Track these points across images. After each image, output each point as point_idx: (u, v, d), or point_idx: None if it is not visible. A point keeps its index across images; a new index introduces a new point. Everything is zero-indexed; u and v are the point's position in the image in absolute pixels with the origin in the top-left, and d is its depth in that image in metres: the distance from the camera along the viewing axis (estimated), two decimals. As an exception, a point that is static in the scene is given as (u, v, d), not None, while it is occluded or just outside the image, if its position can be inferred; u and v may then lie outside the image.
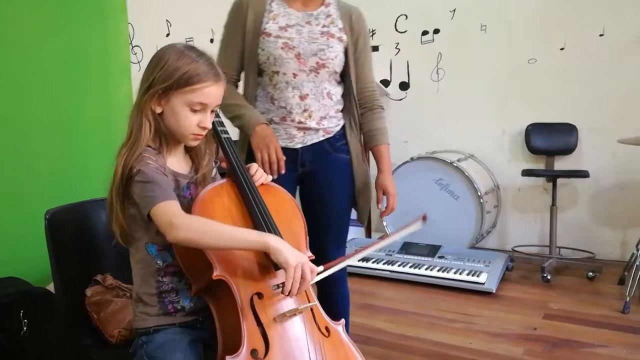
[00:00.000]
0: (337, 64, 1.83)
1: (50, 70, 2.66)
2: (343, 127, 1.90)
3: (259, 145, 1.74)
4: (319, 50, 1.79)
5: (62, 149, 2.70)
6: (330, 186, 1.88)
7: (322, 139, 1.86)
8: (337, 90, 1.88)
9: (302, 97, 1.81)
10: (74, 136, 2.77)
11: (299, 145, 1.84)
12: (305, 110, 1.81)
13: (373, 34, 4.15)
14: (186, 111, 1.29)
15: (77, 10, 2.77)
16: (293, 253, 1.25)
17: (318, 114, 1.83)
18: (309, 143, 1.85)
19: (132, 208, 1.30)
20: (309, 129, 1.83)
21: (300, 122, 1.82)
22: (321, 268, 1.32)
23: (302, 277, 1.23)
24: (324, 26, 1.82)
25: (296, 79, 1.79)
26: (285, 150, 1.78)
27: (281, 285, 1.25)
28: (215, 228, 1.23)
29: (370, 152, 1.98)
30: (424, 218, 1.32)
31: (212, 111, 1.35)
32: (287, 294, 1.24)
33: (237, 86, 1.90)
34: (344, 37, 1.84)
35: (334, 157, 1.88)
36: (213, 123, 1.39)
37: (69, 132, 2.75)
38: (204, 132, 1.34)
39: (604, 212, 3.62)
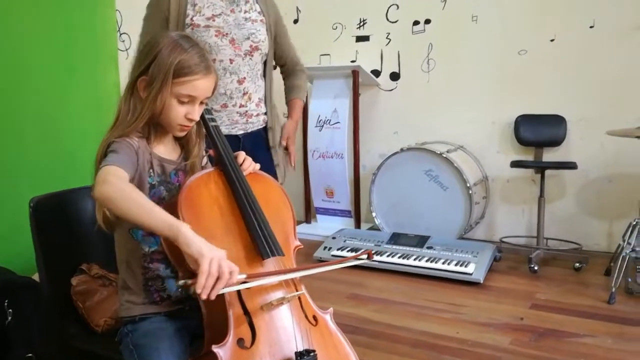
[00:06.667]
0: (266, 46, 1.93)
1: (37, 57, 2.62)
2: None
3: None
4: (251, 34, 1.88)
5: (48, 137, 2.68)
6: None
7: (260, 127, 1.95)
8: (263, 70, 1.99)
9: (240, 81, 1.87)
10: (60, 124, 2.74)
11: (241, 132, 1.90)
12: (245, 94, 1.89)
13: (364, 24, 4.13)
14: (174, 102, 1.28)
15: (64, -4, 2.73)
16: (207, 245, 1.12)
17: (256, 95, 1.93)
18: (249, 130, 1.92)
19: None
20: (250, 114, 1.91)
21: (241, 106, 1.88)
22: (244, 276, 1.18)
23: (219, 275, 1.10)
24: (245, 12, 1.91)
25: (233, 64, 1.86)
26: (228, 137, 1.74)
27: (189, 282, 1.12)
28: (137, 196, 1.15)
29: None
30: (369, 255, 1.43)
31: (202, 103, 1.34)
32: (200, 291, 1.08)
33: None
34: (264, 19, 1.94)
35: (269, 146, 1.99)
36: (201, 111, 1.38)
37: (55, 119, 2.71)
38: (191, 124, 1.33)
39: (592, 204, 3.65)
